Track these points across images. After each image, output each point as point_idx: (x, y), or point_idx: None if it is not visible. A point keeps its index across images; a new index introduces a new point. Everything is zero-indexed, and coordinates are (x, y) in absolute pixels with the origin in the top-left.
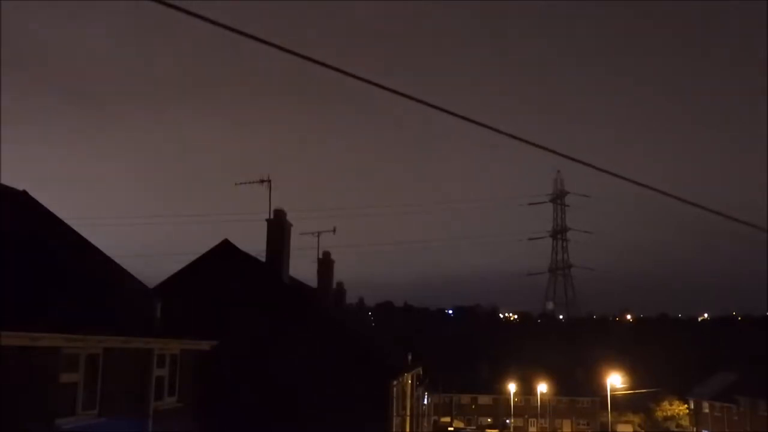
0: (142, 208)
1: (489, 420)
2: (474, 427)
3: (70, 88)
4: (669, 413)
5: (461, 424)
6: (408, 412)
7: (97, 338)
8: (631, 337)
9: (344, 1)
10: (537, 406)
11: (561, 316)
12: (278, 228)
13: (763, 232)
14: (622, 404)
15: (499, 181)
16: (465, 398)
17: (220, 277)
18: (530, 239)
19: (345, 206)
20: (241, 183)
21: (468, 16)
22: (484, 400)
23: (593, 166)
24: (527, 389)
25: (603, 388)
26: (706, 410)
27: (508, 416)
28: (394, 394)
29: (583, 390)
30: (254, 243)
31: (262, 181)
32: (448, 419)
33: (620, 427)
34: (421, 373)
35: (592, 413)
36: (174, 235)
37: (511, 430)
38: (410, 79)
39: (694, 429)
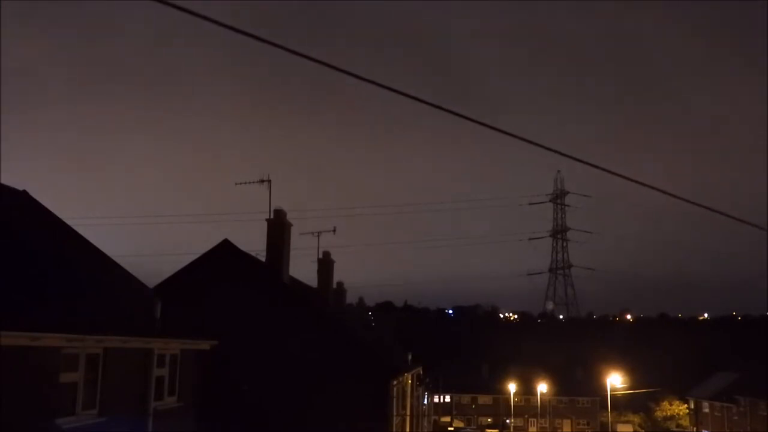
0: (142, 208)
1: (489, 420)
2: (474, 427)
3: (71, 88)
4: (669, 413)
5: (461, 424)
6: (408, 412)
7: (97, 338)
8: (631, 337)
9: (345, 1)
10: (537, 406)
11: (561, 316)
12: (278, 228)
13: (763, 232)
14: (622, 404)
15: (499, 181)
16: (465, 398)
17: (220, 277)
18: (530, 239)
19: (345, 206)
20: (241, 183)
21: (468, 15)
22: (484, 400)
23: (594, 166)
24: (527, 389)
25: (603, 388)
26: (706, 410)
27: (508, 416)
28: (394, 394)
29: (583, 390)
30: (254, 243)
31: (262, 181)
32: (448, 419)
33: (620, 427)
34: (421, 373)
35: (592, 413)
36: (174, 235)
37: (511, 430)
38: (411, 79)
39: (694, 429)
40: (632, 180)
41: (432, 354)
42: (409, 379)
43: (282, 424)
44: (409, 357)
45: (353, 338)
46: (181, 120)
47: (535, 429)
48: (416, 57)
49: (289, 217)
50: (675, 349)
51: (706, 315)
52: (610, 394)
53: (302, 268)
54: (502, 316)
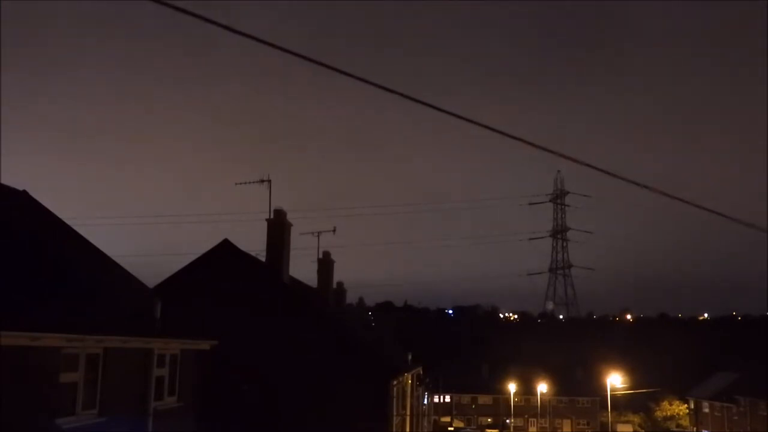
0: (142, 208)
1: (489, 420)
2: (474, 427)
3: (72, 88)
4: (669, 413)
5: (461, 424)
6: (408, 412)
7: (97, 338)
8: (631, 337)
9: (345, 2)
10: (537, 406)
11: (561, 316)
12: (278, 228)
13: (763, 232)
14: (622, 404)
15: (499, 181)
16: (465, 398)
17: (220, 277)
18: (530, 239)
19: (345, 206)
20: (241, 183)
21: (469, 16)
22: (484, 400)
23: (593, 166)
24: (527, 389)
25: (603, 388)
26: (706, 410)
27: (508, 416)
28: (394, 394)
29: (583, 390)
30: (254, 243)
31: (262, 181)
32: (448, 419)
33: (620, 427)
34: (421, 373)
35: (592, 413)
36: (174, 235)
37: (511, 430)
38: (411, 79)
39: (694, 429)
40: (631, 181)
41: (432, 354)
42: (409, 379)
43: (282, 424)
44: (409, 357)
45: (353, 338)
46: (181, 120)
47: (535, 429)
48: (413, 56)
49: (289, 217)
50: (675, 349)
51: (706, 315)
52: (610, 394)
53: (302, 268)
54: (502, 316)
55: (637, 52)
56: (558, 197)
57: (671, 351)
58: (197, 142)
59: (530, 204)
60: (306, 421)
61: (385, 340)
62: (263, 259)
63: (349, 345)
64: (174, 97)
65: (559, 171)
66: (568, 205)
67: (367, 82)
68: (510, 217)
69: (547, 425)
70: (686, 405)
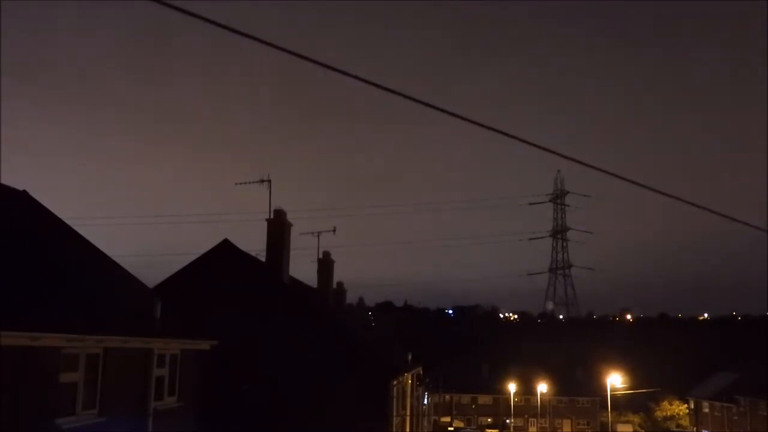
0: (142, 208)
1: (489, 420)
2: (474, 427)
3: (72, 88)
4: (669, 413)
5: (461, 424)
6: (408, 412)
7: (97, 338)
8: (631, 337)
9: (345, 2)
10: (537, 406)
11: (561, 316)
12: (278, 228)
13: (763, 232)
14: (622, 404)
15: (499, 181)
16: (465, 398)
17: (220, 277)
18: (530, 239)
19: (345, 206)
20: (241, 183)
21: (468, 16)
22: (484, 400)
23: (593, 166)
24: (527, 389)
25: (603, 388)
26: (706, 410)
27: (508, 416)
28: (394, 394)
29: (583, 390)
30: (254, 243)
31: (262, 181)
32: (448, 419)
33: (620, 427)
34: (421, 373)
35: (592, 413)
36: (174, 235)
37: (511, 430)
38: (410, 79)
39: (694, 429)
40: (631, 181)
41: (432, 354)
42: (409, 379)
43: (282, 424)
44: (409, 357)
45: (353, 338)
46: (181, 120)
47: (535, 429)
48: (413, 56)
49: (289, 217)
50: (675, 349)
51: (706, 315)
52: (610, 394)
53: (302, 268)
54: (502, 316)
55: (637, 52)
56: (558, 197)
57: (671, 351)
58: (197, 142)
59: (530, 204)
60: (306, 421)
61: (385, 340)
62: (263, 259)
63: (349, 345)
64: (174, 97)
65: (559, 171)
66: (568, 205)
67: (366, 81)
68: (510, 217)
69: (547, 425)
70: (686, 405)
